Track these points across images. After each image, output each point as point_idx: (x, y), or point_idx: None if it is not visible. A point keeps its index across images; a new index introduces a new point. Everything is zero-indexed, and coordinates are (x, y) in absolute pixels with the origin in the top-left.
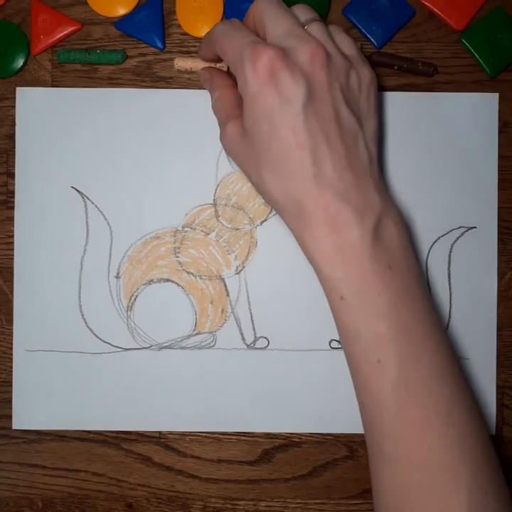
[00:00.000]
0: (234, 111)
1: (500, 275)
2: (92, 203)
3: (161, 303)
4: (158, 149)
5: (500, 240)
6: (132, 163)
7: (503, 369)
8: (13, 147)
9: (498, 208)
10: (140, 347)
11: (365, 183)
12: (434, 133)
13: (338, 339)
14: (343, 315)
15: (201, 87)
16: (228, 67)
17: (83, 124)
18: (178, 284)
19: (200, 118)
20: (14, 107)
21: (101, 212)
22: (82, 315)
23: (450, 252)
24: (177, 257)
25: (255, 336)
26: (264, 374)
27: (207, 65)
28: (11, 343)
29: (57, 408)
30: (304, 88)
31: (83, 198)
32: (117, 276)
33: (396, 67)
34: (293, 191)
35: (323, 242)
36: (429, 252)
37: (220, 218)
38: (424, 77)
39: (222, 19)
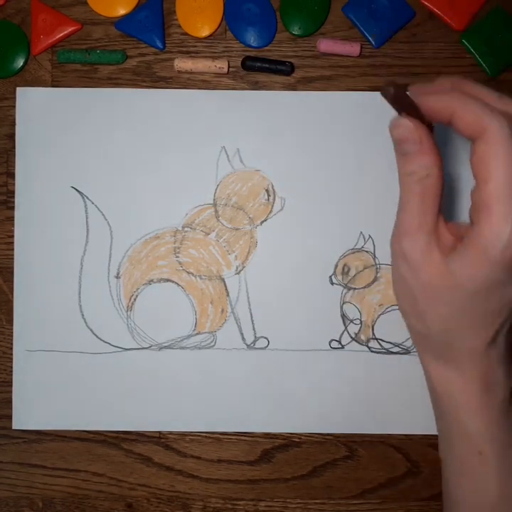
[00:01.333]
0: (430, 215)
1: None
2: (92, 203)
3: (161, 303)
4: (158, 149)
5: None
6: (132, 163)
7: None
8: (13, 147)
9: None
10: (140, 347)
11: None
12: (434, 133)
13: (338, 339)
14: (479, 469)
15: (201, 87)
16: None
17: (83, 124)
18: (178, 284)
19: (200, 118)
20: (14, 107)
21: (101, 212)
22: (82, 315)
23: None
24: (177, 257)
25: (255, 336)
26: (264, 374)
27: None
28: (11, 343)
29: (57, 408)
30: None
31: (83, 198)
32: (117, 276)
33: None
34: (461, 339)
35: (475, 399)
36: None
37: (220, 218)
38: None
39: (222, 19)
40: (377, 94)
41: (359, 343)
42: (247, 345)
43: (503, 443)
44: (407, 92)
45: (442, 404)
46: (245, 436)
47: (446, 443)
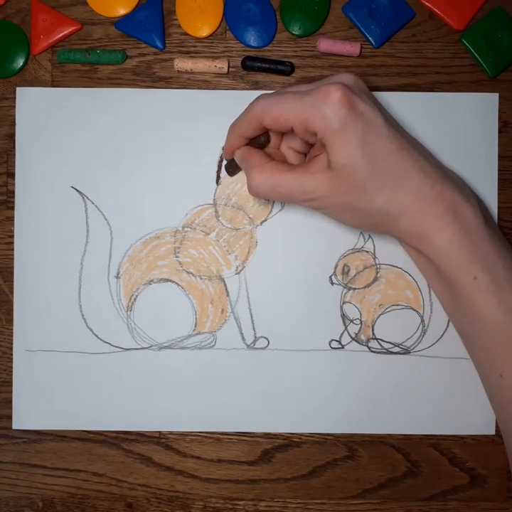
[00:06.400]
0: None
1: None
2: (92, 203)
3: (161, 303)
4: (158, 149)
5: None
6: (132, 163)
7: None
8: (13, 147)
9: (498, 207)
10: (140, 347)
11: (444, 166)
12: (434, 133)
13: (338, 339)
14: (479, 295)
15: (201, 87)
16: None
17: (83, 124)
18: (178, 284)
19: (200, 118)
20: (14, 107)
21: (101, 212)
22: (82, 315)
23: None
24: (177, 257)
25: (255, 336)
26: (264, 374)
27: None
28: (11, 343)
29: (57, 408)
30: (376, 106)
31: (83, 198)
32: (117, 276)
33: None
34: (405, 194)
35: (450, 230)
36: None
37: (220, 218)
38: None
39: (222, 19)
40: (377, 94)
41: (359, 343)
42: (247, 345)
43: (492, 261)
44: (234, 157)
45: (429, 254)
46: (245, 436)
47: (448, 296)
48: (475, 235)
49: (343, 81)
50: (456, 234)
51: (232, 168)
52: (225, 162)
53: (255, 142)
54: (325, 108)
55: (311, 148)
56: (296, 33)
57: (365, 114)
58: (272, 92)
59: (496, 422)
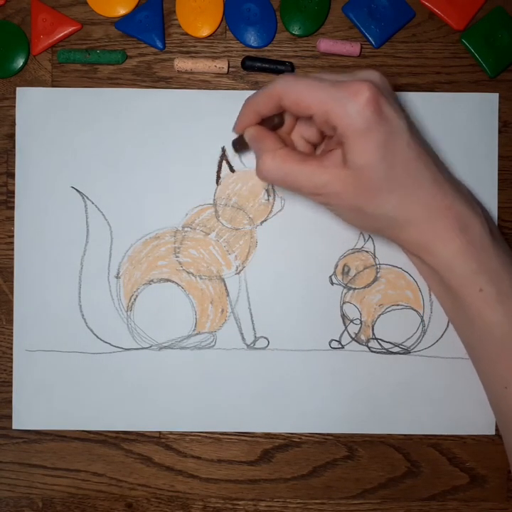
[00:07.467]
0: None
1: None
2: (92, 203)
3: (161, 303)
4: (158, 149)
5: None
6: (132, 163)
7: None
8: (13, 147)
9: (498, 207)
10: (140, 347)
11: (453, 177)
12: (434, 133)
13: (338, 339)
14: (484, 306)
15: (201, 87)
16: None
17: (83, 124)
18: (178, 284)
19: (200, 118)
20: (14, 107)
21: (101, 212)
22: (82, 315)
23: None
24: (177, 257)
25: (255, 336)
26: (264, 374)
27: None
28: (11, 343)
29: (57, 408)
30: (401, 111)
31: (83, 198)
32: (117, 276)
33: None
34: (415, 203)
35: (456, 241)
36: None
37: (220, 218)
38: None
39: (222, 19)
40: None
41: (359, 343)
42: (247, 345)
43: (497, 273)
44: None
45: (433, 264)
46: (245, 436)
47: (452, 305)
48: (481, 248)
49: (373, 79)
50: (463, 246)
51: (240, 145)
52: (233, 137)
53: (268, 122)
54: (352, 106)
55: (325, 140)
56: (296, 33)
57: (389, 118)
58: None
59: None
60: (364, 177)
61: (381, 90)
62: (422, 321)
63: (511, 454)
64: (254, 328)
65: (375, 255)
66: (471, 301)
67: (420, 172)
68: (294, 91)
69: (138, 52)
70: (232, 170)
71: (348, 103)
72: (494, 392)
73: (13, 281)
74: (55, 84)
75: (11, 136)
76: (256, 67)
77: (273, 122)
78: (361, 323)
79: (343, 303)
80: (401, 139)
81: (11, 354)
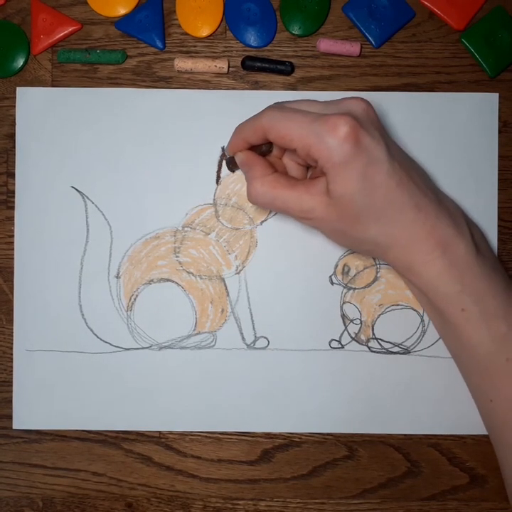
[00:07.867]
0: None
1: None
2: (92, 203)
3: (161, 303)
4: (158, 149)
5: (500, 240)
6: (132, 163)
7: None
8: (13, 147)
9: (498, 208)
10: (140, 347)
11: (441, 197)
12: (434, 133)
13: (338, 339)
14: (467, 326)
15: (201, 87)
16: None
17: (83, 124)
18: (178, 283)
19: (200, 118)
20: (14, 106)
21: (101, 212)
22: (82, 315)
23: None
24: (177, 256)
25: (255, 336)
26: (264, 374)
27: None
28: (11, 343)
29: (58, 408)
30: (382, 140)
31: (83, 198)
32: (117, 276)
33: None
34: (397, 228)
35: (438, 263)
36: None
37: (220, 218)
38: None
39: (222, 19)
40: (377, 94)
41: (359, 343)
42: (247, 345)
43: (482, 293)
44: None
45: (418, 285)
46: (245, 436)
47: (439, 323)
48: (465, 268)
49: (353, 111)
50: (445, 267)
51: (233, 165)
52: (226, 157)
53: (258, 148)
54: (330, 140)
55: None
56: (296, 32)
57: (368, 149)
58: (287, 100)
59: None
60: (345, 206)
61: (361, 122)
62: (422, 321)
63: (502, 463)
64: (254, 328)
65: None
66: (455, 321)
67: (400, 199)
68: (278, 126)
69: (138, 52)
70: (231, 170)
71: (327, 137)
72: (481, 404)
73: (13, 281)
74: (55, 84)
75: (11, 136)
76: (256, 67)
77: (262, 149)
78: (361, 323)
79: (343, 303)
80: (380, 168)
81: (11, 354)
